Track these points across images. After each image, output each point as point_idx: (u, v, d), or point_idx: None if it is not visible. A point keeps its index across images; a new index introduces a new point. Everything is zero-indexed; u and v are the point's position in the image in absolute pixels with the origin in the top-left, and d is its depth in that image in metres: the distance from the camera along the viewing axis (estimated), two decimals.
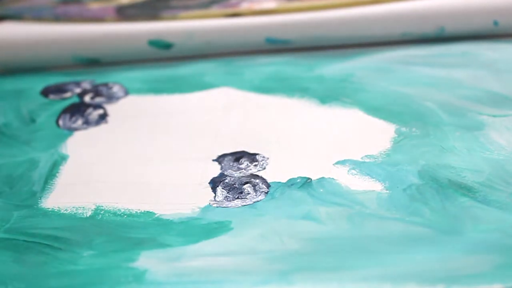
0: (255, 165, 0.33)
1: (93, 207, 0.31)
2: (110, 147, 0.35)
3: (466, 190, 0.30)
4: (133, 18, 0.46)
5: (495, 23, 0.43)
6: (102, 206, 0.31)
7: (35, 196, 0.32)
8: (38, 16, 0.47)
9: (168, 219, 0.30)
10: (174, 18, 0.45)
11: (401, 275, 0.25)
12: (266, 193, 0.31)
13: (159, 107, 0.39)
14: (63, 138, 0.36)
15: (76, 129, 0.37)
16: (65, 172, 0.33)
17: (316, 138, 0.35)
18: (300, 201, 0.30)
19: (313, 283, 0.26)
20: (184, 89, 0.41)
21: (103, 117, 0.38)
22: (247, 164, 0.33)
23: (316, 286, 0.25)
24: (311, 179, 0.31)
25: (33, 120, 0.38)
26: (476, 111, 0.36)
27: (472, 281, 0.25)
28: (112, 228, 0.29)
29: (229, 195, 0.31)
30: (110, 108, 0.39)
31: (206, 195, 0.31)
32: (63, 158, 0.35)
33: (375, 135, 0.34)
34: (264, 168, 0.33)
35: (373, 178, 0.31)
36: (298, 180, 0.31)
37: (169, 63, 0.44)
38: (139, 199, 0.31)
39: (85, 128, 0.37)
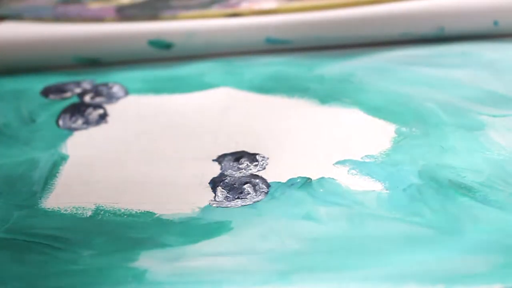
0: (255, 165, 0.33)
1: (93, 207, 0.31)
2: (110, 147, 0.35)
3: (466, 190, 0.30)
4: (133, 18, 0.46)
5: (495, 23, 0.43)
6: (102, 206, 0.31)
7: (35, 196, 0.32)
8: (38, 16, 0.47)
9: (168, 219, 0.30)
10: (174, 18, 0.45)
11: (401, 275, 0.25)
12: (266, 193, 0.31)
13: (159, 107, 0.39)
14: (63, 138, 0.36)
15: (76, 129, 0.37)
16: (65, 172, 0.33)
17: (316, 138, 0.35)
18: (300, 201, 0.30)
19: (313, 283, 0.26)
20: (184, 89, 0.41)
21: (103, 117, 0.38)
22: (247, 164, 0.33)
23: (316, 286, 0.25)
24: (311, 179, 0.31)
25: (33, 120, 0.38)
26: (476, 111, 0.36)
27: (472, 281, 0.25)
28: (112, 228, 0.29)
29: (229, 195, 0.31)
30: (110, 108, 0.39)
31: (206, 195, 0.31)
32: (63, 158, 0.35)
33: (375, 135, 0.34)
34: (264, 168, 0.33)
35: (373, 178, 0.31)
36: (298, 180, 0.31)
37: (169, 63, 0.44)
38: (139, 199, 0.31)
39: (85, 128, 0.37)
